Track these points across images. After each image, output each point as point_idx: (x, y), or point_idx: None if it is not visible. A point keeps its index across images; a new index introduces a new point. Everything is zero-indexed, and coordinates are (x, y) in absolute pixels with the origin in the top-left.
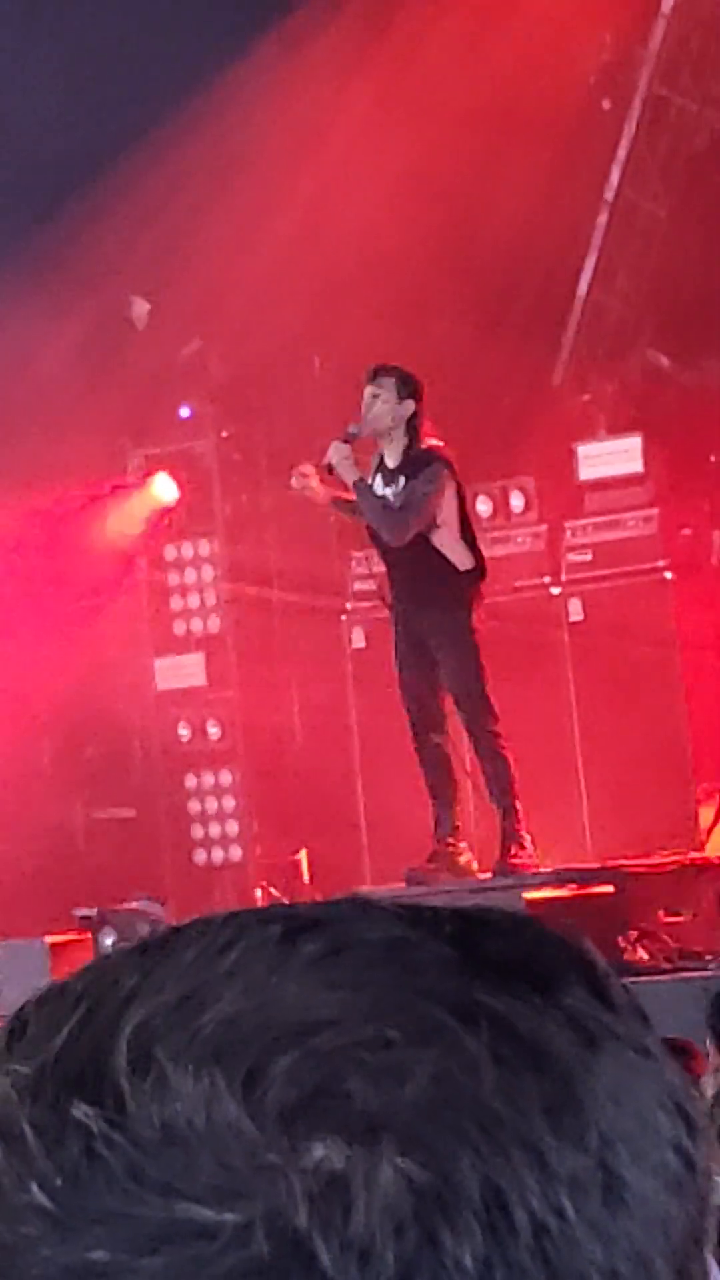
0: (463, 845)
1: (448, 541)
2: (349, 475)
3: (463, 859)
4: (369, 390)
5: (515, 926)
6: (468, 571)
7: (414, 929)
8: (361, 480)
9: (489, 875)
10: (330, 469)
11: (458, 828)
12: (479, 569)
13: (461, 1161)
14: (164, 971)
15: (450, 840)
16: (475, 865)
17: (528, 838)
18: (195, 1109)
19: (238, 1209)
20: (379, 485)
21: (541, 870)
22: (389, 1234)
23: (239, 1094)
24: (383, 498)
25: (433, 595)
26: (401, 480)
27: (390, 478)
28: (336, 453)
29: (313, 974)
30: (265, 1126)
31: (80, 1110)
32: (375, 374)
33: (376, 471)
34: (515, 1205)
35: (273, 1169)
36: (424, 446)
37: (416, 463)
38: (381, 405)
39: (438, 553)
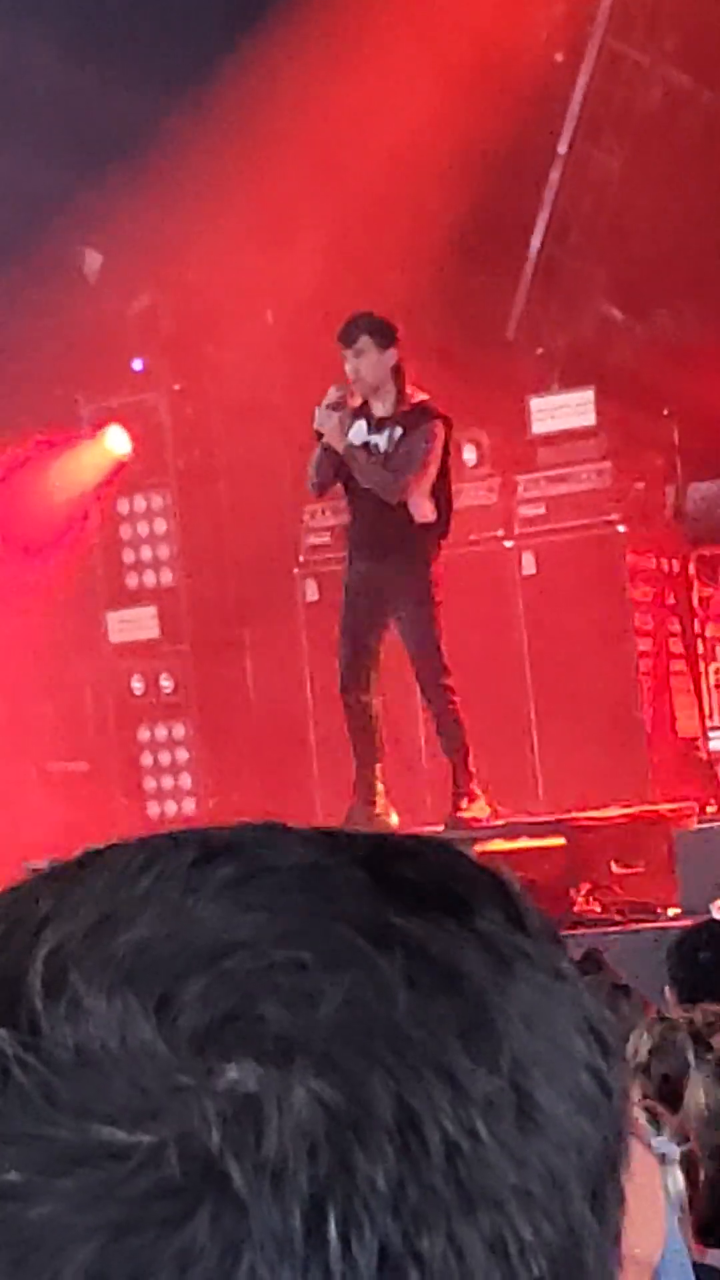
0: (384, 804)
1: (419, 497)
2: (340, 443)
3: (380, 818)
4: (350, 353)
5: (430, 851)
6: (430, 525)
7: (329, 853)
8: (353, 446)
9: (440, 828)
10: (319, 435)
11: (379, 788)
12: (442, 524)
13: (374, 1083)
14: (79, 895)
15: (370, 800)
16: (395, 823)
17: (479, 791)
18: (109, 1031)
19: (150, 1130)
20: (362, 431)
21: (493, 823)
22: (302, 1155)
23: (152, 1016)
24: (367, 445)
25: (395, 548)
26: (397, 430)
27: (378, 426)
28: (326, 420)
29: (226, 897)
30: (178, 1049)
31: None
32: (349, 334)
33: (359, 417)
34: (428, 1127)
35: (185, 1090)
36: (416, 400)
37: (412, 417)
38: (367, 364)
39: (403, 506)
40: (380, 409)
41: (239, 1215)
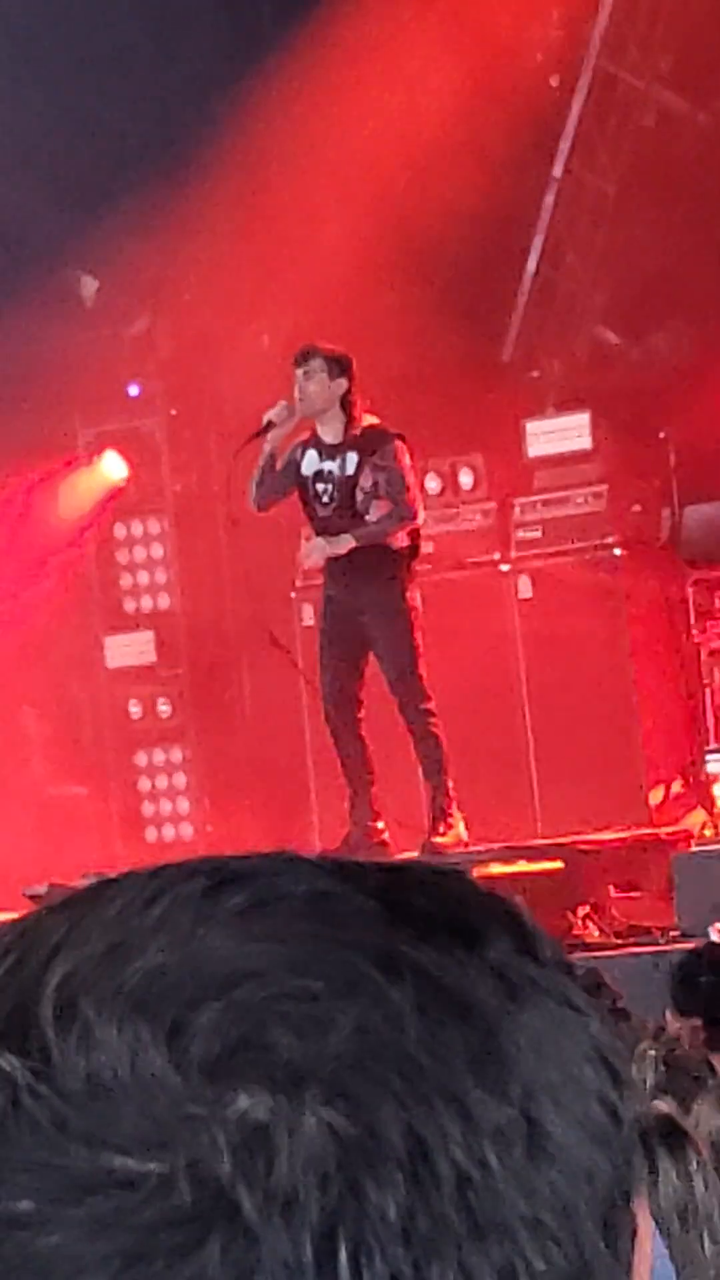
0: (380, 826)
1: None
2: (338, 545)
3: (377, 840)
4: (299, 373)
5: (440, 880)
6: (402, 549)
7: (339, 882)
8: (307, 477)
9: (415, 854)
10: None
11: (375, 811)
12: (414, 547)
13: (385, 1112)
14: (90, 924)
15: (367, 824)
16: (391, 847)
17: (458, 816)
18: (120, 1060)
19: (161, 1159)
20: (314, 460)
21: (488, 847)
22: (312, 1184)
23: (163, 1045)
24: (321, 473)
25: (368, 573)
26: (352, 455)
27: (331, 452)
28: (317, 550)
29: (237, 926)
30: (189, 1077)
31: (6, 1061)
32: (303, 356)
33: (309, 448)
34: (439, 1156)
35: (196, 1119)
36: (366, 424)
37: (367, 440)
38: (315, 386)
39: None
40: (330, 436)
41: (250, 1244)
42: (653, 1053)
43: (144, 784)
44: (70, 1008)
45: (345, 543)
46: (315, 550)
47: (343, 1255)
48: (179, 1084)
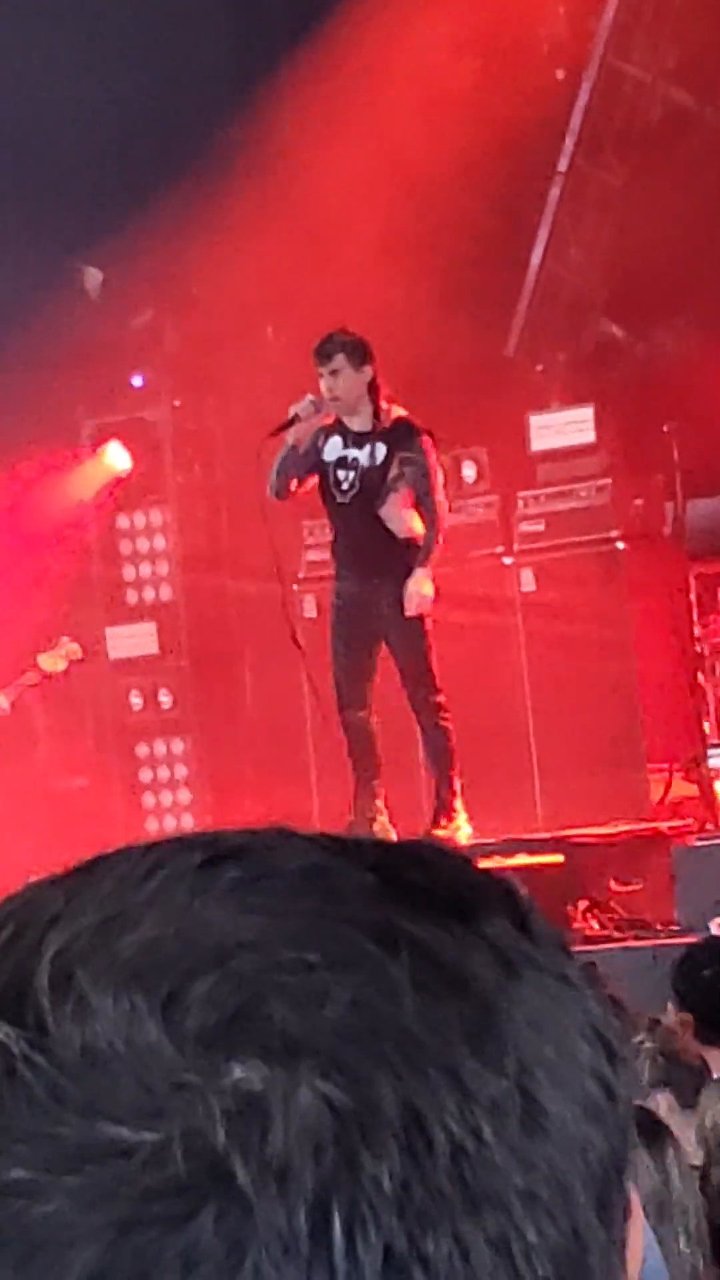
0: (382, 820)
1: (395, 511)
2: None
3: (380, 835)
4: (325, 370)
5: (437, 857)
6: (417, 541)
7: (335, 857)
8: (374, 517)
9: None
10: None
11: (378, 805)
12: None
13: (380, 1084)
14: (86, 896)
15: (370, 815)
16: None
17: (461, 811)
18: (115, 1031)
19: (156, 1128)
20: (337, 446)
21: (488, 841)
22: (307, 1155)
23: (159, 1016)
24: (344, 460)
25: (383, 565)
26: (380, 447)
27: (359, 441)
28: (420, 600)
29: (233, 899)
30: (184, 1048)
31: (2, 1031)
32: (326, 354)
33: (333, 434)
34: (433, 1127)
35: (191, 1089)
36: (395, 416)
37: (396, 434)
38: (343, 383)
39: (385, 522)
40: (357, 424)
41: (244, 1214)
42: (649, 1045)
43: (145, 775)
44: (66, 979)
45: (428, 583)
46: (418, 601)
47: (337, 1225)
48: (174, 1054)
